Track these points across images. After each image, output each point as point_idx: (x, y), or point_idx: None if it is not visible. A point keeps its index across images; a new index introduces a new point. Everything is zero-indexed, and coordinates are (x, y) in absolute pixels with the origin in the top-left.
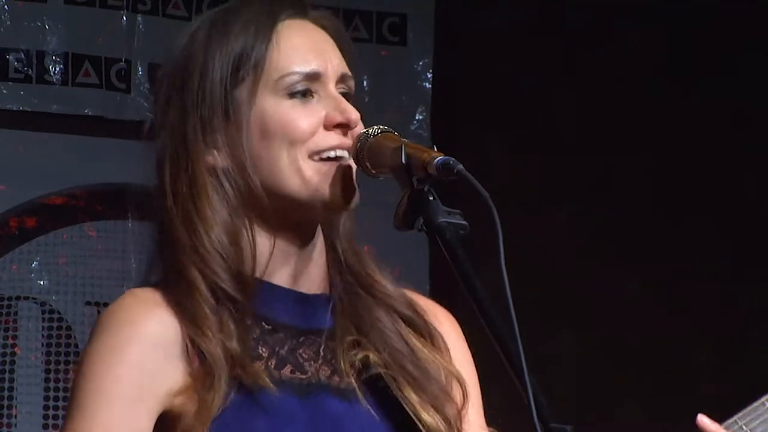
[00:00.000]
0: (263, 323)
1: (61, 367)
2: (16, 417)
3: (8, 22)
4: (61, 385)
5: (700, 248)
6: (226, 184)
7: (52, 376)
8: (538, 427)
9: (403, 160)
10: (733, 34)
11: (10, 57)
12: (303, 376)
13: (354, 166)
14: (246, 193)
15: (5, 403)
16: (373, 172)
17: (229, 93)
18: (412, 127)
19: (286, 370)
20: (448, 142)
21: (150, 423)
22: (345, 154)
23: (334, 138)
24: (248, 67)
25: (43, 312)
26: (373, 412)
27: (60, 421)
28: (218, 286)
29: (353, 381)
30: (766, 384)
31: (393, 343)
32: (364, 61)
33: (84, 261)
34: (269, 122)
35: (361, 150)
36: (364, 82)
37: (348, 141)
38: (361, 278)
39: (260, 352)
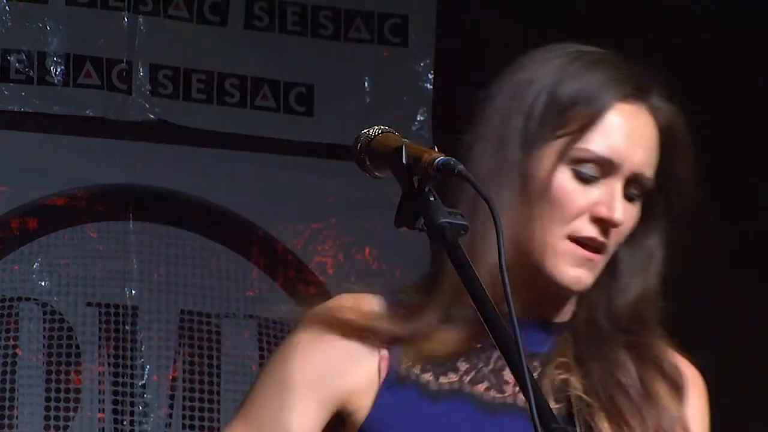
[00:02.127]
0: (473, 342)
1: (62, 368)
2: (17, 418)
3: (9, 23)
4: (62, 386)
5: (701, 248)
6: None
7: (53, 377)
8: (539, 428)
9: (404, 161)
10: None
11: (12, 58)
12: (498, 395)
13: (603, 258)
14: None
15: (6, 404)
16: (374, 172)
17: (525, 137)
18: (414, 128)
19: (481, 387)
20: (449, 143)
21: (320, 420)
22: (599, 250)
23: (589, 230)
24: (560, 124)
25: (45, 313)
26: None
27: (61, 422)
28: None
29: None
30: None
31: (615, 373)
32: (366, 62)
33: (85, 262)
34: (541, 182)
35: (361, 150)
36: (366, 83)
37: (604, 239)
38: (628, 330)
39: (459, 365)
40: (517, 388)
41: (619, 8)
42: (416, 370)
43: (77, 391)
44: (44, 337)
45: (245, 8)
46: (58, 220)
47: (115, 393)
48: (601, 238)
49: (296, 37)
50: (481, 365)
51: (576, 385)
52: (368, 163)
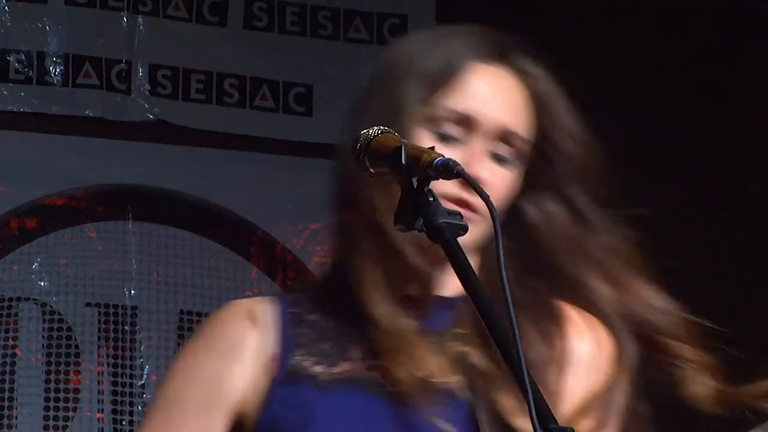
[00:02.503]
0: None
1: (62, 368)
2: (16, 418)
3: (8, 23)
4: (61, 386)
5: (701, 249)
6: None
7: (52, 377)
8: (537, 428)
9: (403, 161)
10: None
11: (11, 58)
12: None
13: (474, 214)
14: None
15: (6, 404)
16: (373, 172)
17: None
18: None
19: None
20: None
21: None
22: (467, 208)
23: (452, 189)
24: (421, 89)
25: (44, 313)
26: (471, 412)
27: (60, 422)
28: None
29: (450, 380)
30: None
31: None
32: (365, 62)
33: (84, 262)
34: None
35: (360, 150)
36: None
37: (471, 199)
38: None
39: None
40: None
41: (618, 7)
42: (307, 363)
43: (76, 391)
44: (43, 337)
45: (244, 8)
46: (58, 220)
47: (115, 393)
48: (464, 195)
49: (295, 37)
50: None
51: (474, 357)
52: (367, 163)
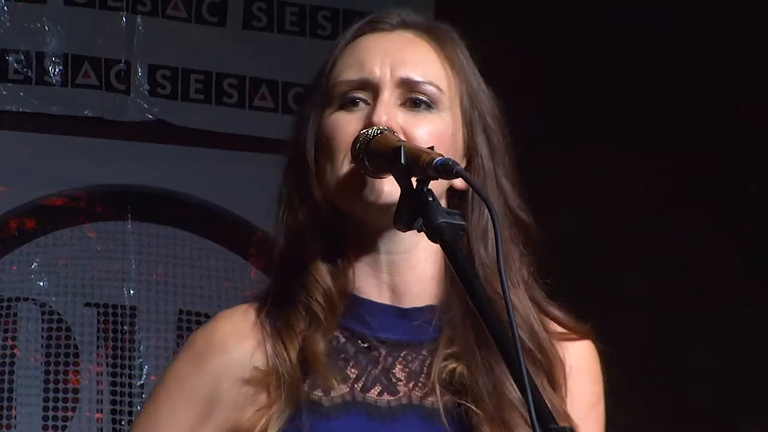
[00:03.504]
0: (359, 341)
1: (61, 368)
2: (15, 418)
3: (8, 23)
4: (60, 386)
5: (704, 249)
6: (307, 204)
7: (51, 377)
8: (537, 428)
9: (403, 161)
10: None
11: (10, 58)
12: (392, 398)
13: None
14: (317, 210)
15: (5, 404)
16: (373, 172)
17: (309, 115)
18: None
19: (374, 392)
20: None
21: None
22: None
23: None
24: (319, 83)
25: (43, 313)
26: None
27: (59, 422)
28: (310, 304)
29: (439, 401)
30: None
31: (497, 376)
32: None
33: (84, 262)
34: (321, 136)
35: (360, 150)
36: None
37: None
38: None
39: (348, 373)
40: (411, 385)
41: (617, 5)
42: (305, 388)
43: (75, 391)
44: (43, 337)
45: (244, 8)
46: (57, 221)
47: (114, 393)
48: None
49: (295, 37)
50: (370, 368)
51: (464, 378)
52: (367, 163)
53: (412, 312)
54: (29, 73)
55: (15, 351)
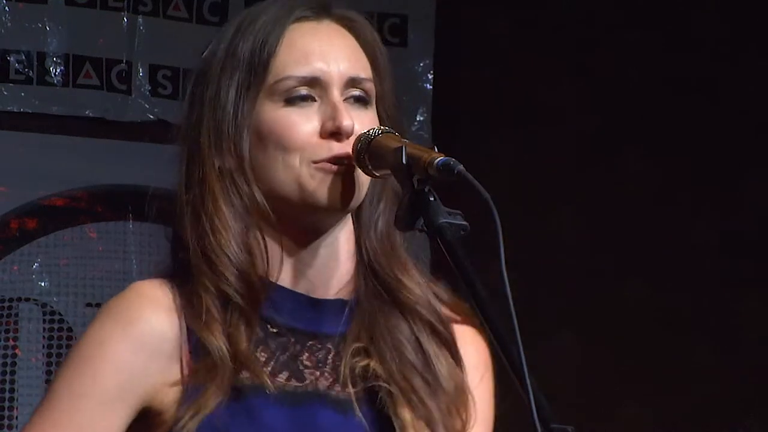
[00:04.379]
0: (268, 326)
1: None
2: (16, 418)
3: (9, 24)
4: None
5: (701, 249)
6: (233, 189)
7: (52, 377)
8: (538, 428)
9: (404, 161)
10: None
11: (11, 58)
12: (299, 384)
13: (355, 169)
14: (250, 199)
15: (6, 404)
16: (374, 172)
17: (240, 98)
18: (413, 128)
19: (282, 377)
20: (449, 143)
21: (124, 422)
22: (342, 161)
23: (328, 148)
24: (254, 72)
25: (44, 313)
26: (366, 425)
27: None
28: (224, 287)
29: (351, 391)
30: (763, 385)
31: (405, 353)
32: None
33: (85, 262)
34: (264, 128)
35: (362, 150)
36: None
37: (345, 148)
38: (386, 282)
39: (258, 356)
40: (318, 373)
41: (615, 7)
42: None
43: None
44: (44, 337)
45: (244, 8)
46: (58, 221)
47: None
48: (341, 152)
49: None
50: (278, 353)
51: (379, 371)
52: (368, 163)
53: (324, 303)
54: (30, 74)
55: (16, 351)
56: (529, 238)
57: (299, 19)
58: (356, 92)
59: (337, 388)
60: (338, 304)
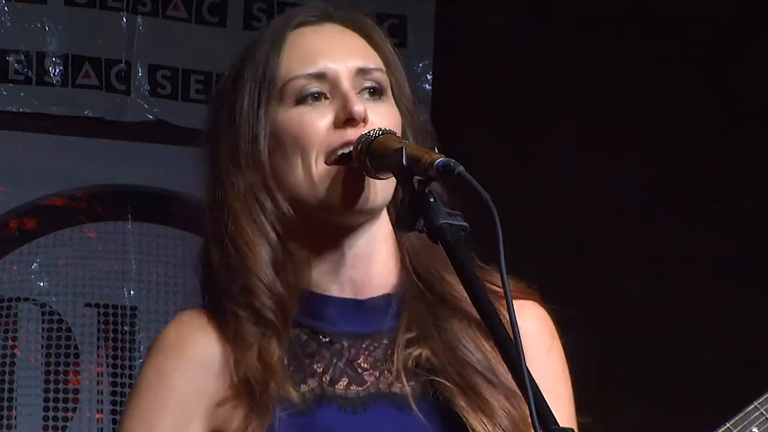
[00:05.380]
0: (320, 336)
1: (61, 368)
2: (15, 418)
3: (8, 24)
4: (60, 386)
5: (701, 248)
6: (254, 208)
7: (51, 377)
8: (538, 430)
9: (405, 162)
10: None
11: (10, 58)
12: (360, 389)
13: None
14: (275, 212)
15: (5, 404)
16: (375, 173)
17: (252, 109)
18: None
19: (342, 384)
20: (449, 143)
21: None
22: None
23: (344, 135)
24: (262, 81)
25: (43, 313)
26: (426, 420)
27: (60, 422)
28: (254, 303)
29: (407, 386)
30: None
31: (459, 349)
32: None
33: (84, 262)
34: (279, 131)
35: (362, 151)
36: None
37: (360, 133)
38: (430, 281)
39: (315, 368)
40: (377, 374)
41: (614, 7)
42: (272, 390)
43: (76, 391)
44: (43, 337)
45: (244, 9)
46: (57, 221)
47: (114, 393)
48: (354, 138)
49: None
50: (335, 360)
51: (432, 360)
52: (369, 164)
53: (369, 302)
54: (29, 74)
55: (15, 351)
56: (529, 236)
57: (300, 25)
58: (368, 83)
59: (398, 385)
60: (385, 300)
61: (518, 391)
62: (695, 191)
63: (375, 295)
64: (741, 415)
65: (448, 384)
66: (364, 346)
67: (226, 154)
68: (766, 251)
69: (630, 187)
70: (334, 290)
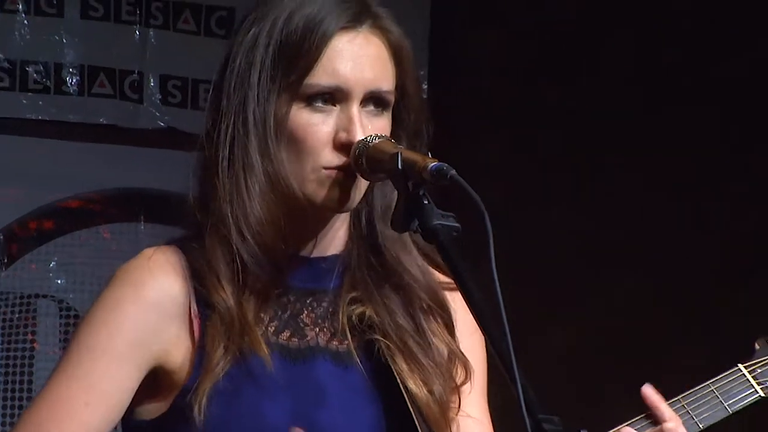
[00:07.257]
0: (272, 288)
1: None
2: None
3: (28, 36)
4: None
5: (698, 249)
6: (260, 170)
7: (69, 336)
8: (526, 419)
9: (400, 166)
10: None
11: (30, 69)
12: (300, 341)
13: (355, 177)
14: (267, 181)
15: (25, 395)
16: (371, 177)
17: (264, 82)
18: None
19: (285, 335)
20: (443, 149)
21: (135, 381)
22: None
23: (336, 159)
24: (284, 64)
25: (61, 309)
26: (365, 376)
27: None
28: (243, 254)
29: (350, 343)
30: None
31: (397, 314)
32: None
33: (99, 261)
34: (286, 126)
35: (359, 156)
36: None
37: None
38: (387, 260)
39: (261, 316)
40: (317, 329)
41: (608, 11)
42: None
43: None
44: (60, 331)
45: None
46: (74, 222)
47: None
48: (348, 162)
49: None
50: (280, 312)
51: (374, 319)
52: (365, 168)
53: (317, 260)
54: (48, 83)
55: (34, 345)
56: (524, 237)
57: (343, 29)
58: (375, 105)
59: (336, 341)
60: (332, 260)
61: (449, 368)
62: (692, 190)
63: (323, 255)
64: (693, 390)
65: (389, 344)
66: (308, 302)
67: (232, 104)
68: (751, 253)
69: (627, 186)
70: (297, 248)
